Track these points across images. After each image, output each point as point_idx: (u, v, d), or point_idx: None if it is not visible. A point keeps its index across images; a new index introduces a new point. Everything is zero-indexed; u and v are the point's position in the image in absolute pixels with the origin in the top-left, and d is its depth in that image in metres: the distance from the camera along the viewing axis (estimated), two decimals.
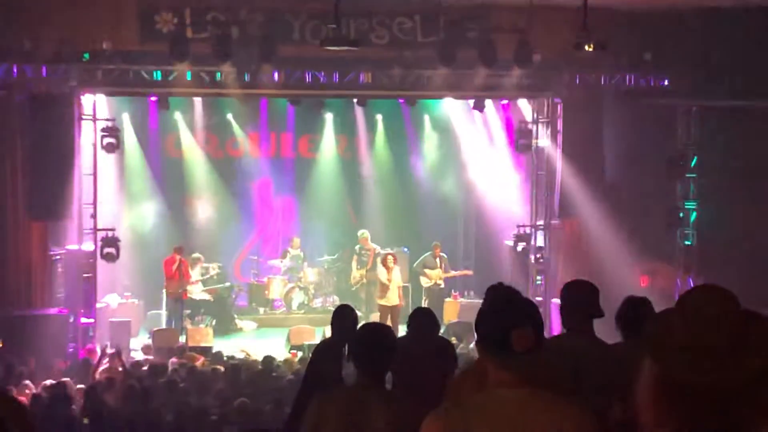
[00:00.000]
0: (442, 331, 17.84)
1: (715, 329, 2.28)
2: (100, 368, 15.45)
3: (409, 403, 5.23)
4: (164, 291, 20.42)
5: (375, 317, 19.81)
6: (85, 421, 11.59)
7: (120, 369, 15.01)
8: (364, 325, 5.87)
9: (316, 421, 5.29)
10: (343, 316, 8.54)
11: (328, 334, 9.73)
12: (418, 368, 7.52)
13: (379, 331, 5.63)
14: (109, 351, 17.43)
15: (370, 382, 5.33)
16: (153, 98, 20.18)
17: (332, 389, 5.73)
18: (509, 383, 3.46)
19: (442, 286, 20.89)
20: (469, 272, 22.07)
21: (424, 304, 20.76)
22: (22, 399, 12.40)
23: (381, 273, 19.24)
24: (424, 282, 20.86)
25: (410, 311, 19.42)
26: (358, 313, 20.18)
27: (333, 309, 20.82)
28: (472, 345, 16.27)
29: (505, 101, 21.14)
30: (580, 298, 6.30)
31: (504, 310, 3.57)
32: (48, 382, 13.79)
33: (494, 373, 3.51)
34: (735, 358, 2.25)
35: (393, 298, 19.08)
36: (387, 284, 19.03)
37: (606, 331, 6.62)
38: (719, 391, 2.24)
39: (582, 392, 5.38)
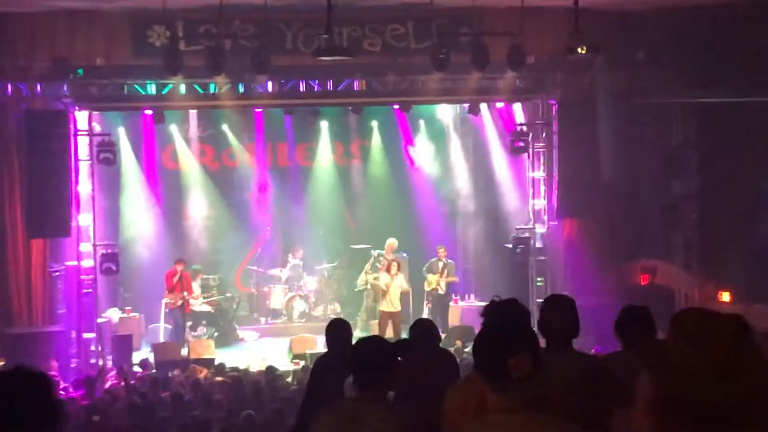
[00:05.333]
0: (444, 335, 17.98)
1: (711, 353, 2.30)
2: (103, 384, 15.48)
3: (407, 420, 5.22)
4: (163, 303, 20.39)
5: (374, 323, 19.83)
6: None
7: (122, 384, 15.03)
8: (360, 340, 5.81)
9: None
10: (337, 329, 8.49)
11: None
12: (418, 380, 7.50)
13: (376, 346, 5.58)
14: (110, 366, 17.50)
15: (369, 397, 5.32)
16: (148, 112, 20.17)
17: (333, 403, 5.70)
18: (508, 409, 3.46)
19: (442, 291, 20.79)
20: (455, 279, 21.87)
21: (426, 308, 20.77)
22: None
23: (382, 278, 19.29)
24: (426, 286, 20.88)
25: (412, 316, 19.56)
26: (358, 319, 20.37)
27: (334, 317, 20.92)
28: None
29: (500, 104, 21.13)
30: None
31: (499, 338, 3.56)
32: None
33: (492, 398, 3.50)
34: (730, 379, 2.26)
35: (393, 304, 19.09)
36: (385, 290, 19.05)
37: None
38: (716, 409, 2.26)
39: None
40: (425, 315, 19.79)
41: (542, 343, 6.01)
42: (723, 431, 2.26)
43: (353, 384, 5.45)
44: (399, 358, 5.65)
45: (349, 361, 5.51)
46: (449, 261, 21.06)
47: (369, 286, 21.39)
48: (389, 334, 18.18)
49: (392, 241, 21.49)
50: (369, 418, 5.17)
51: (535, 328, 4.79)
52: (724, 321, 2.37)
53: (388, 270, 19.38)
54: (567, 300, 6.22)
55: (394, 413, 5.32)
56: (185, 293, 20.17)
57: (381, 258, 21.35)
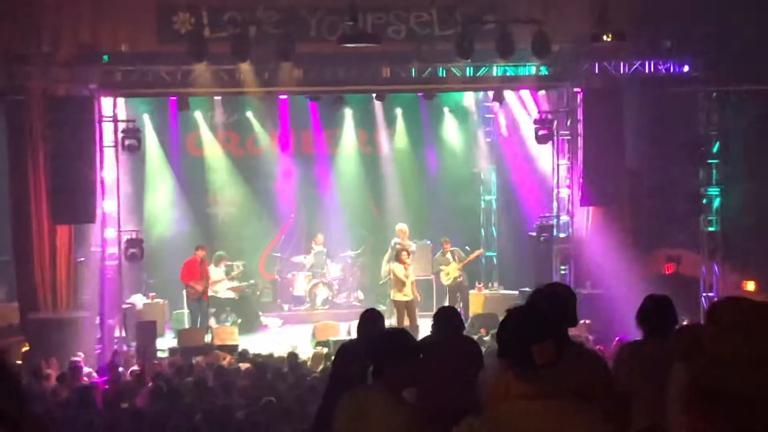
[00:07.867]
0: (467, 323, 17.97)
1: (745, 342, 2.28)
2: (127, 369, 15.54)
3: (414, 417, 5.23)
4: (184, 292, 20.42)
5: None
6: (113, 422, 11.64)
7: (146, 369, 15.07)
8: (383, 331, 5.82)
9: (334, 420, 5.38)
10: (371, 320, 8.49)
11: (353, 328, 9.68)
12: (442, 368, 7.51)
13: (396, 338, 5.58)
14: (134, 352, 17.56)
15: (381, 386, 5.31)
16: (172, 98, 20.20)
17: (352, 389, 5.72)
18: (531, 395, 3.45)
19: (461, 278, 20.78)
20: (480, 251, 21.91)
21: (446, 301, 20.71)
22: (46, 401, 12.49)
23: (398, 268, 18.80)
24: (445, 280, 20.78)
25: (434, 305, 19.49)
26: (383, 308, 20.31)
27: (357, 304, 20.91)
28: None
29: (524, 92, 21.02)
30: None
31: (523, 325, 3.54)
32: (76, 384, 13.86)
33: (516, 385, 3.49)
34: (764, 370, 2.24)
35: (409, 293, 18.80)
36: (404, 280, 18.75)
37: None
38: (750, 400, 2.24)
39: None
40: (447, 302, 19.76)
41: None
42: (758, 421, 2.24)
43: (371, 372, 5.47)
44: (421, 356, 5.61)
45: (369, 348, 5.54)
46: (454, 249, 21.02)
47: (392, 276, 21.30)
48: (406, 323, 18.12)
49: (402, 226, 21.45)
50: (376, 406, 5.19)
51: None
52: (762, 310, 2.35)
53: (399, 259, 18.88)
54: (561, 288, 6.21)
55: (401, 407, 5.29)
56: (205, 280, 20.21)
57: (398, 245, 21.31)
